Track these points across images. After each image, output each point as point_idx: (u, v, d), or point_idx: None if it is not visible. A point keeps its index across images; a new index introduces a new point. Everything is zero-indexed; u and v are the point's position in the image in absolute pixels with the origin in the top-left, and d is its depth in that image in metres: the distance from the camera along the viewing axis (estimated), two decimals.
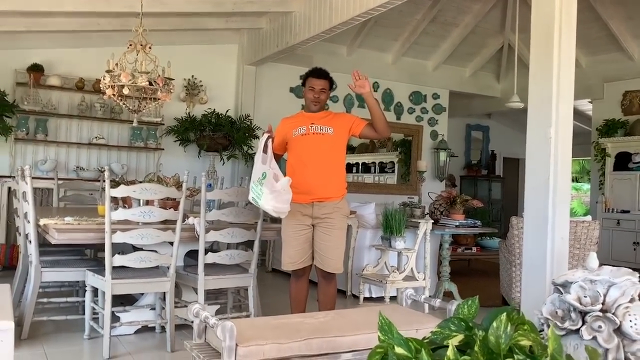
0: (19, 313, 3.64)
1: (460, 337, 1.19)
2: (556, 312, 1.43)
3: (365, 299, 5.05)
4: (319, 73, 3.55)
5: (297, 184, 3.34)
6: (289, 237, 3.47)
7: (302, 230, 3.45)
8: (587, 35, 7.57)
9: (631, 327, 1.36)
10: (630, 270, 1.48)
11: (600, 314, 1.38)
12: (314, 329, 2.31)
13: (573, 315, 1.40)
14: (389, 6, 5.00)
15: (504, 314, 1.14)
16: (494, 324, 1.12)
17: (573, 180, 15.37)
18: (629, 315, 1.37)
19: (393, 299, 4.79)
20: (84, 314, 3.66)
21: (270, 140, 3.36)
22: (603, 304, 1.39)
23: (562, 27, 3.60)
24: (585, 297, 1.39)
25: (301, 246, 3.47)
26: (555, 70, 3.57)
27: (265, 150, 3.32)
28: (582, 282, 1.41)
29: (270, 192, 3.14)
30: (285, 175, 3.58)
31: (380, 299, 4.91)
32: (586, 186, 15.15)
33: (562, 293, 1.46)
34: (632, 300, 1.41)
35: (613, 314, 1.37)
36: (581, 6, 6.36)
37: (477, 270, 7.50)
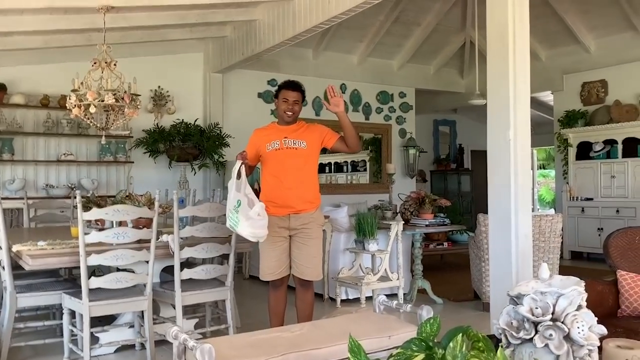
0: None
1: (422, 356, 1.28)
2: (512, 323, 1.55)
3: (342, 301, 5.16)
4: (292, 85, 3.62)
5: (273, 197, 3.44)
6: (266, 248, 3.54)
7: (279, 242, 3.52)
8: (545, 29, 7.81)
9: (579, 333, 1.48)
10: (577, 279, 1.60)
11: (551, 323, 1.49)
12: (290, 343, 2.39)
13: (527, 325, 1.51)
14: (350, 14, 5.10)
15: (459, 335, 1.24)
16: (451, 344, 1.22)
17: (540, 168, 15.77)
18: (577, 322, 1.49)
19: (369, 299, 4.91)
20: (62, 336, 3.66)
21: (243, 167, 3.39)
22: (553, 313, 1.51)
23: (516, 30, 3.74)
24: (536, 308, 1.50)
25: (279, 257, 3.54)
26: (512, 75, 3.71)
27: (239, 177, 3.35)
28: (533, 294, 1.52)
29: (246, 219, 3.20)
30: (259, 188, 3.65)
31: (357, 300, 5.02)
32: (553, 173, 15.56)
33: (516, 304, 1.58)
34: (579, 308, 1.53)
35: (562, 322, 1.49)
36: (537, 2, 6.61)
37: (450, 264, 7.69)
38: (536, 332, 1.50)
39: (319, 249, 3.62)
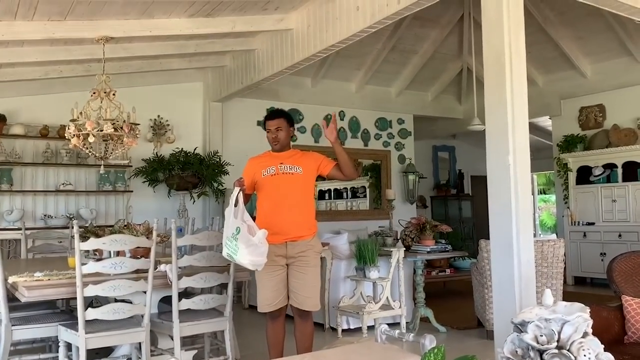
0: None
1: None
2: (516, 351, 1.50)
3: (344, 330, 5.08)
4: (272, 114, 3.71)
5: (269, 224, 3.39)
6: (263, 278, 3.49)
7: (276, 271, 3.47)
8: (541, 55, 7.88)
9: None
10: (582, 306, 1.56)
11: (556, 350, 1.45)
12: None
13: (532, 353, 1.47)
14: (348, 42, 5.15)
15: None
16: None
17: (540, 193, 15.75)
18: (583, 350, 1.45)
19: (370, 328, 4.83)
20: None
21: (241, 193, 3.37)
22: (558, 341, 1.47)
23: (513, 59, 3.76)
24: (541, 335, 1.46)
25: (277, 287, 3.49)
26: (509, 100, 3.71)
27: (236, 204, 3.33)
28: (537, 321, 1.48)
29: (246, 246, 3.17)
30: (255, 215, 3.62)
31: (358, 330, 4.94)
32: (554, 198, 15.53)
33: (520, 332, 1.54)
34: (585, 335, 1.49)
35: (568, 350, 1.45)
36: (533, 29, 6.69)
37: (453, 291, 7.60)
38: None
39: (318, 277, 3.57)
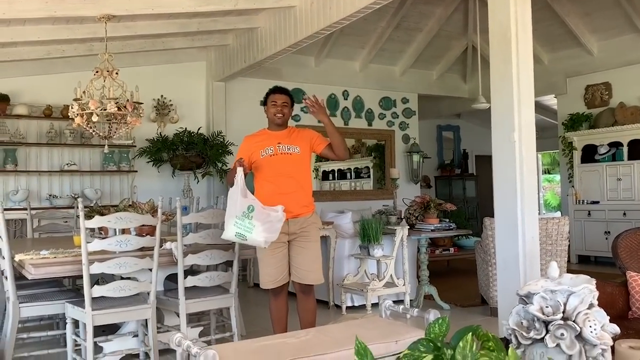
0: None
1: (430, 357, 1.25)
2: (522, 323, 1.51)
3: (348, 308, 5.11)
4: (279, 89, 3.66)
5: (270, 203, 3.38)
6: (266, 256, 3.51)
7: (278, 248, 3.48)
8: (547, 32, 7.79)
9: (591, 332, 1.44)
10: (588, 278, 1.56)
11: (562, 322, 1.45)
12: (295, 349, 2.35)
13: (537, 324, 1.47)
14: (351, 19, 5.09)
15: (469, 334, 1.20)
16: (460, 344, 1.19)
17: (545, 172, 15.71)
18: (589, 321, 1.45)
19: (375, 305, 4.86)
20: (65, 346, 3.63)
21: (243, 174, 3.36)
22: (564, 312, 1.47)
23: (519, 33, 3.72)
24: (547, 307, 1.47)
25: (279, 263, 3.51)
26: (515, 76, 3.68)
27: (233, 185, 3.34)
28: (543, 292, 1.48)
29: (262, 223, 3.18)
30: (253, 193, 3.59)
31: (363, 307, 4.97)
32: (558, 177, 15.49)
33: (526, 303, 1.54)
34: (590, 307, 1.49)
35: (574, 321, 1.45)
36: (539, 5, 6.60)
37: (456, 270, 7.63)
38: (547, 331, 1.46)
39: (319, 252, 3.60)
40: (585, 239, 8.03)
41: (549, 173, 16.32)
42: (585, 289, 1.47)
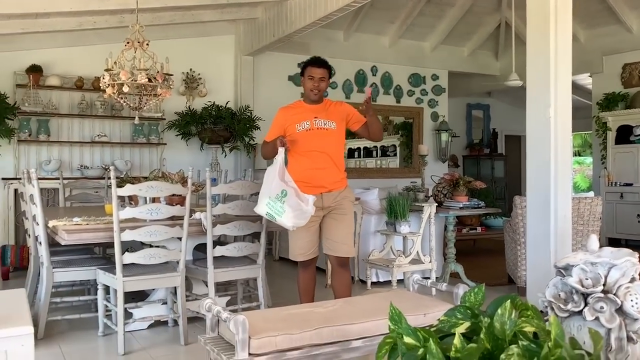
0: (34, 313, 3.69)
1: (467, 324, 1.23)
2: (559, 295, 1.47)
3: (373, 283, 5.11)
4: (318, 62, 3.54)
5: (304, 178, 3.37)
6: (300, 228, 3.43)
7: (312, 222, 3.41)
8: (585, 8, 7.52)
9: (632, 306, 1.40)
10: (630, 251, 1.51)
11: (602, 295, 1.41)
12: (323, 318, 2.36)
13: (575, 297, 1.44)
14: None
15: (508, 301, 1.18)
16: (499, 311, 1.16)
17: (575, 154, 15.36)
18: (630, 295, 1.41)
19: (400, 282, 4.86)
20: (96, 311, 3.73)
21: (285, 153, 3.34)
22: (604, 285, 1.43)
23: (558, 7, 3.60)
24: (586, 279, 1.43)
25: (311, 237, 3.50)
26: (553, 52, 3.58)
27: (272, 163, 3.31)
28: (583, 264, 1.44)
29: (292, 210, 3.18)
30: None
31: (388, 283, 4.97)
32: (589, 160, 15.14)
33: (564, 276, 1.50)
34: (632, 280, 1.45)
35: (614, 294, 1.41)
36: None
37: (483, 250, 7.56)
38: (585, 304, 1.42)
39: (352, 225, 3.62)
40: (617, 222, 7.85)
41: (579, 155, 15.96)
42: (627, 262, 1.43)
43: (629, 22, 7.71)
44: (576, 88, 9.75)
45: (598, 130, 8.34)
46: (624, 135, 7.96)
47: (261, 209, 3.27)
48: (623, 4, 7.49)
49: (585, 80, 9.31)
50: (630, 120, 7.86)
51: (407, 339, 1.23)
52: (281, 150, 3.32)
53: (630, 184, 7.78)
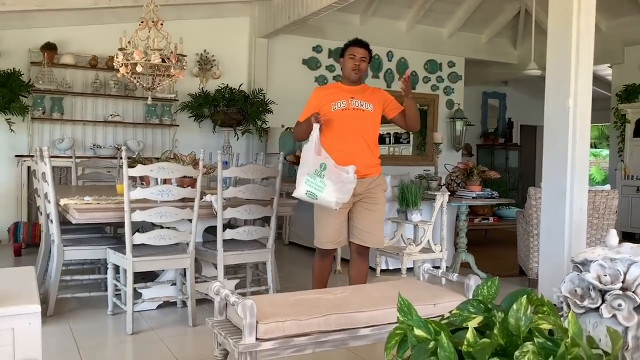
0: (44, 290, 3.73)
1: (479, 319, 1.19)
2: (575, 291, 1.43)
3: (382, 271, 5.08)
4: (360, 42, 3.44)
5: (337, 159, 3.21)
6: (328, 216, 3.32)
7: (342, 209, 3.28)
8: None
9: None
10: None
11: (620, 292, 1.37)
12: (332, 305, 2.34)
13: (592, 293, 1.39)
14: None
15: (524, 296, 1.14)
16: (514, 306, 1.13)
17: (591, 146, 15.13)
18: None
19: (409, 270, 4.82)
20: (106, 290, 3.74)
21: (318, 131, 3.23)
22: (623, 282, 1.38)
23: None
24: (605, 275, 1.39)
25: (341, 225, 3.36)
26: (575, 40, 3.49)
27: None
28: (602, 260, 1.40)
29: (334, 183, 3.07)
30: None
31: (397, 271, 4.94)
32: (605, 152, 14.93)
33: (581, 271, 1.46)
34: None
35: (633, 292, 1.37)
36: None
37: (494, 240, 7.49)
38: (603, 301, 1.38)
39: (383, 215, 3.48)
40: (632, 216, 7.74)
41: (595, 147, 15.74)
42: None
43: None
44: (595, 79, 9.54)
45: (616, 122, 8.19)
46: None
47: (300, 189, 3.14)
48: None
49: (605, 71, 9.13)
50: None
51: (418, 332, 1.20)
52: (316, 126, 3.21)
53: None
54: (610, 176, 8.75)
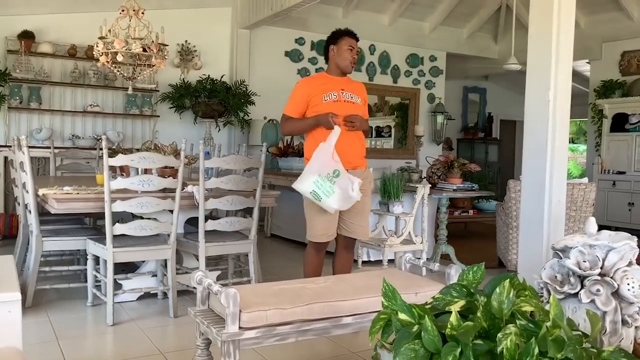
0: (22, 282, 3.67)
1: (462, 302, 1.21)
2: (555, 277, 1.46)
3: (364, 262, 5.11)
4: (354, 33, 3.39)
5: (343, 154, 3.18)
6: (322, 208, 3.25)
7: None
8: None
9: (629, 290, 1.39)
10: (629, 235, 1.50)
11: (599, 277, 1.40)
12: (315, 294, 2.34)
13: (572, 279, 1.42)
14: None
15: (507, 280, 1.16)
16: (497, 289, 1.14)
17: (569, 142, 15.38)
18: (627, 278, 1.40)
19: (391, 262, 4.86)
20: (86, 281, 3.70)
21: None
22: (602, 268, 1.41)
23: None
24: (584, 261, 1.41)
25: (334, 217, 3.31)
26: (555, 34, 3.52)
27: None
28: (581, 247, 1.43)
29: (342, 192, 3.04)
30: (304, 141, 3.40)
31: (378, 262, 4.97)
32: (582, 147, 15.17)
33: (561, 258, 1.49)
34: (630, 264, 1.44)
35: (611, 277, 1.40)
36: None
37: (474, 233, 7.58)
38: (582, 287, 1.41)
39: (370, 207, 3.50)
40: (608, 209, 7.90)
41: (573, 142, 15.99)
42: (626, 245, 1.42)
43: (630, 9, 7.65)
44: (573, 75, 9.64)
45: (594, 118, 8.33)
46: (620, 123, 7.95)
47: (305, 186, 3.08)
48: None
49: (583, 67, 9.27)
50: (627, 109, 7.86)
51: (402, 316, 1.21)
52: (337, 129, 3.12)
53: (623, 172, 7.81)
54: (587, 170, 8.90)
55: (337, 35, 3.38)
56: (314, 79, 3.48)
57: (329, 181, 3.05)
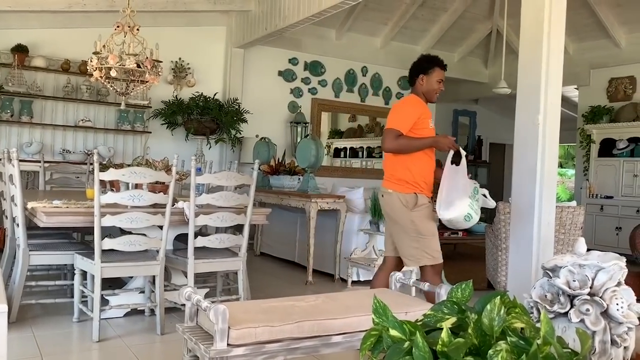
0: (7, 296, 3.60)
1: (453, 319, 1.21)
2: (545, 296, 1.47)
3: (353, 282, 5.10)
4: (445, 65, 3.44)
5: (427, 178, 3.28)
6: (436, 229, 3.38)
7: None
8: (575, 21, 7.60)
9: (617, 310, 1.40)
10: (618, 255, 1.51)
11: (588, 297, 1.41)
12: (304, 311, 2.33)
13: (562, 298, 1.43)
14: None
15: (498, 297, 1.16)
16: (488, 306, 1.15)
17: (558, 166, 15.54)
18: (616, 298, 1.41)
19: None
20: (72, 297, 3.65)
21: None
22: (591, 287, 1.42)
23: (552, 16, 3.62)
24: (574, 281, 1.42)
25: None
26: (545, 59, 3.60)
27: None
28: (571, 266, 1.44)
29: (478, 207, 3.11)
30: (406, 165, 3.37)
31: (368, 282, 4.94)
32: (570, 172, 15.35)
33: (551, 277, 1.50)
34: (619, 284, 1.45)
35: (600, 297, 1.41)
36: None
37: (463, 254, 7.59)
38: (572, 306, 1.42)
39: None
40: (596, 233, 7.96)
41: (561, 167, 16.16)
42: (615, 265, 1.43)
43: (617, 37, 7.81)
44: (562, 100, 9.82)
45: (582, 142, 8.44)
46: (607, 148, 8.07)
47: (459, 211, 3.06)
48: (613, 19, 7.59)
49: (571, 92, 9.42)
50: (614, 134, 7.97)
51: (393, 332, 1.21)
52: (463, 153, 3.22)
53: (611, 197, 7.89)
54: (576, 194, 8.98)
55: (429, 66, 3.36)
56: (421, 102, 3.37)
57: (475, 200, 3.12)
